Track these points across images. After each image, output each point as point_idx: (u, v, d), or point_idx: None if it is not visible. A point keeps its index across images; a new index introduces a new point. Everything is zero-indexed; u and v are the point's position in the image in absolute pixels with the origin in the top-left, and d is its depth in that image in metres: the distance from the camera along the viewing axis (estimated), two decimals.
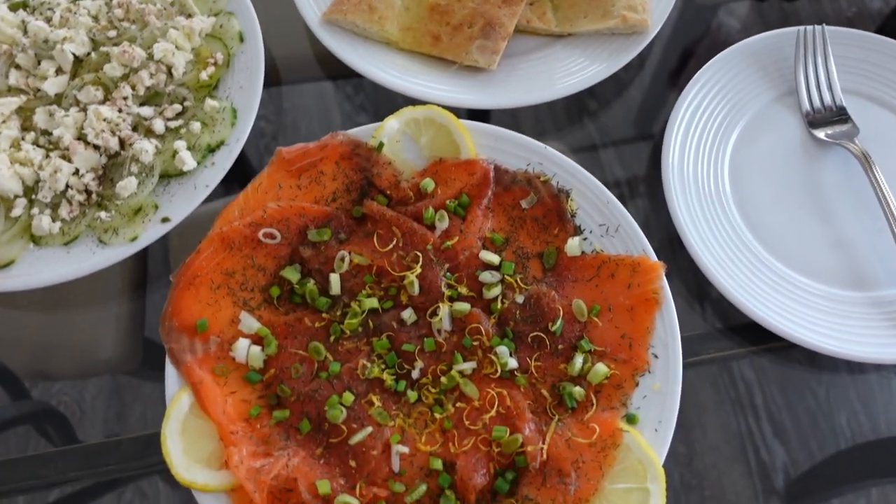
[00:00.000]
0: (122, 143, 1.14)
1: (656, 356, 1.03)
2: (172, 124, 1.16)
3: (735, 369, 1.17)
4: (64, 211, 1.11)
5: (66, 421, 1.15)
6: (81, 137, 1.13)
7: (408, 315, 1.07)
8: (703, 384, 1.16)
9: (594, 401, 1.02)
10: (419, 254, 1.09)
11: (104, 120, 1.12)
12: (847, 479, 1.11)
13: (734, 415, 1.14)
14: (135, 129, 1.16)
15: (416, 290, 1.07)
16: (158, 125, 1.15)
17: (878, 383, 1.16)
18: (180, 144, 1.13)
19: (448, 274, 1.09)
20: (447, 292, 1.08)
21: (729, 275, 1.14)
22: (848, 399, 1.15)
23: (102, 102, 1.15)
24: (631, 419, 1.00)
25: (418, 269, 1.08)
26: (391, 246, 1.09)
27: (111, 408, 1.16)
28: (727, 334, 1.18)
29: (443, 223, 1.11)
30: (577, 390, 1.02)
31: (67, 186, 1.12)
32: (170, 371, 1.02)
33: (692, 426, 1.13)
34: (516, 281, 1.09)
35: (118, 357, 1.18)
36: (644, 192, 1.29)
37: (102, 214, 1.11)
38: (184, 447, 0.96)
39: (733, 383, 1.16)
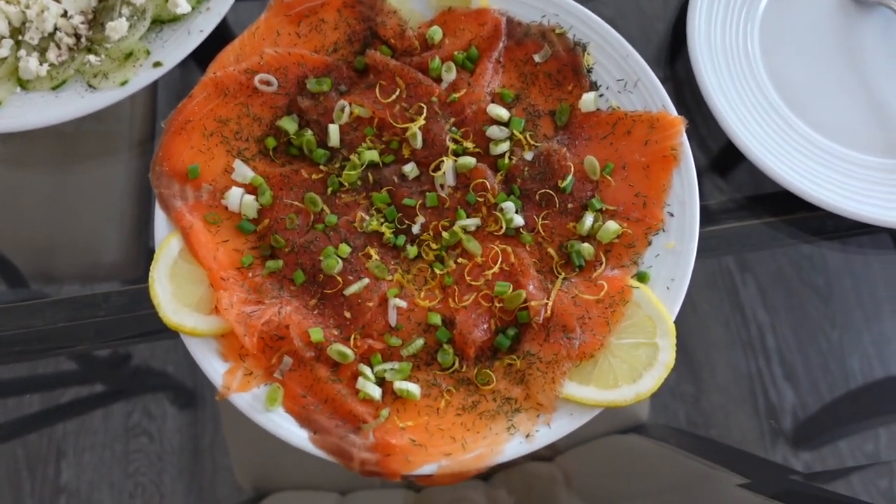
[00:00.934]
0: None
1: (672, 214, 0.97)
2: None
3: (748, 310, 1.10)
4: (52, 54, 1.05)
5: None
6: None
7: (409, 169, 1.01)
8: (714, 324, 1.10)
9: (603, 259, 0.97)
10: (423, 106, 1.02)
11: None
12: (856, 421, 1.07)
13: (744, 356, 1.09)
14: None
15: (419, 143, 1.01)
16: None
17: (892, 328, 1.09)
18: None
19: (454, 129, 1.03)
20: (452, 146, 1.02)
21: (755, 138, 1.07)
22: (861, 343, 1.09)
23: None
24: (642, 277, 0.95)
25: (422, 122, 1.01)
26: (394, 97, 1.02)
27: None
28: (747, 204, 1.11)
29: (450, 75, 1.04)
30: (586, 247, 0.96)
31: (56, 28, 1.06)
32: (159, 216, 0.97)
33: (700, 366, 1.08)
34: (525, 138, 1.02)
35: (122, 262, 1.16)
36: (667, 52, 1.20)
37: (92, 58, 1.05)
38: (172, 291, 0.93)
39: (745, 324, 1.10)
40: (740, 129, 1.07)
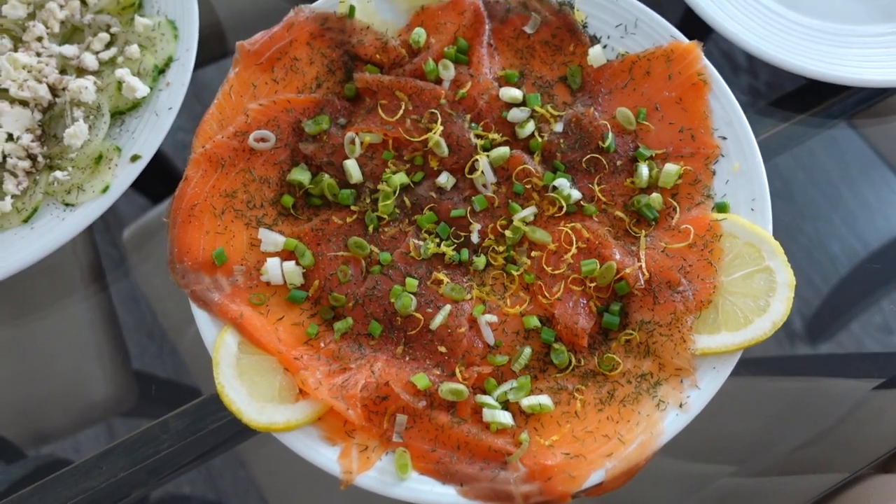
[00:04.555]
0: (53, 90, 0.96)
1: (724, 137, 0.93)
2: (105, 55, 0.98)
3: None
4: (10, 184, 0.92)
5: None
6: (3, 96, 0.94)
7: (445, 180, 0.94)
8: None
9: (675, 204, 0.92)
10: (435, 112, 0.95)
11: (23, 68, 0.93)
12: (858, 300, 1.08)
13: None
14: (63, 72, 0.97)
15: (444, 150, 0.94)
16: (89, 60, 0.97)
17: (855, 204, 1.11)
18: (123, 72, 0.95)
19: (473, 124, 0.96)
20: (479, 143, 0.95)
21: (759, 37, 1.06)
22: (834, 227, 1.10)
23: (14, 50, 0.96)
24: (722, 207, 0.90)
25: (439, 128, 0.94)
26: (400, 113, 0.95)
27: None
28: (781, 104, 1.10)
29: (449, 72, 0.97)
30: (655, 197, 0.91)
31: (4, 156, 0.93)
32: (200, 316, 0.86)
33: None
34: (547, 110, 0.97)
35: (113, 397, 1.05)
36: None
37: (59, 175, 0.92)
38: (248, 390, 0.81)
39: None
40: (745, 34, 1.06)
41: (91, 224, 0.91)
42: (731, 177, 0.92)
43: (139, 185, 1.06)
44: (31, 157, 0.94)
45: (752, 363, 1.05)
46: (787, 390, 1.07)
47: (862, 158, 1.14)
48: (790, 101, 1.14)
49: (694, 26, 1.09)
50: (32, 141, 0.94)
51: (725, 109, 0.94)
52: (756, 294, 0.83)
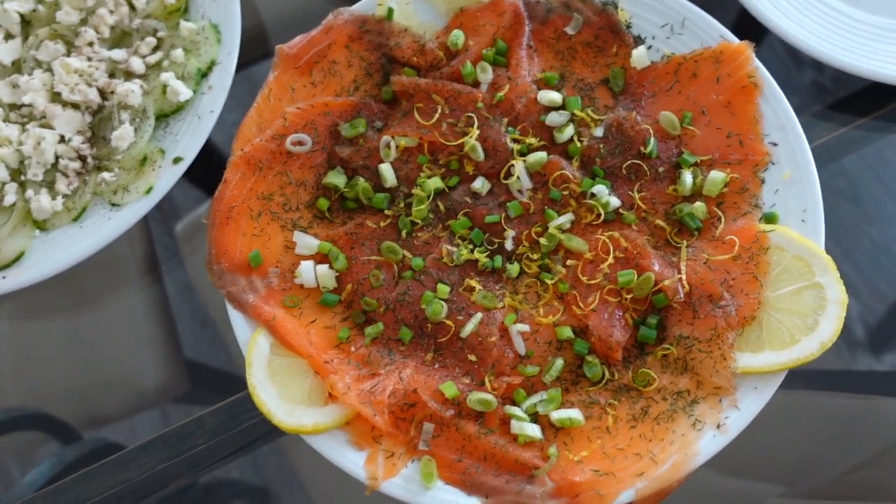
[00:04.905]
0: (102, 93, 0.99)
1: (775, 144, 0.89)
2: (151, 59, 1.00)
3: None
4: (62, 185, 0.96)
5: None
6: (56, 99, 0.98)
7: (480, 185, 0.92)
8: None
9: (720, 214, 0.88)
10: (471, 115, 0.93)
11: (75, 72, 0.97)
12: None
13: None
14: (112, 76, 1.00)
15: (480, 155, 0.92)
16: (136, 64, 0.99)
17: None
18: (168, 76, 0.97)
19: (510, 129, 0.94)
20: (515, 147, 0.93)
21: (817, 35, 1.00)
22: None
23: (67, 55, 0.99)
24: (770, 218, 0.86)
25: (476, 132, 0.92)
26: (437, 116, 0.94)
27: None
28: (840, 108, 1.04)
29: (486, 75, 0.95)
30: (698, 206, 0.87)
31: (57, 157, 0.97)
32: (235, 317, 0.87)
33: None
34: (588, 114, 0.94)
35: (165, 384, 1.08)
36: None
37: (106, 175, 0.95)
38: (278, 392, 0.82)
39: None
40: (803, 34, 1.00)
41: (146, 217, 0.95)
42: (781, 186, 0.87)
43: (194, 177, 1.10)
44: (82, 159, 0.97)
45: (807, 376, 1.00)
46: (842, 407, 1.01)
47: None
48: (853, 104, 1.07)
49: (749, 27, 1.04)
50: (83, 143, 0.97)
51: (777, 114, 0.89)
52: (804, 312, 0.79)
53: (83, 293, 1.12)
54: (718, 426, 0.78)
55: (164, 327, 1.11)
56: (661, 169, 0.91)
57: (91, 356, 1.11)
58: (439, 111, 0.94)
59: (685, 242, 0.87)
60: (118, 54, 1.01)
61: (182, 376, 1.10)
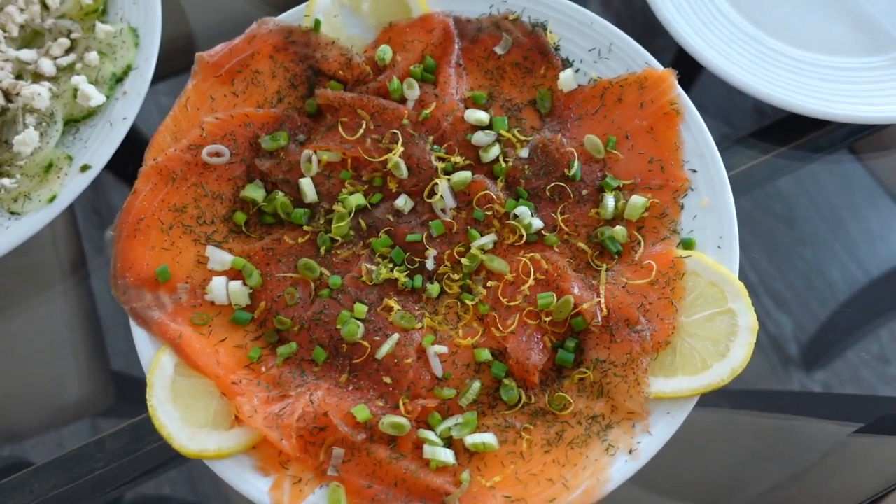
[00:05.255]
0: (6, 95, 0.94)
1: (694, 170, 0.90)
2: (64, 61, 0.96)
3: None
4: None
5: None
6: None
7: (402, 203, 0.91)
8: None
9: (640, 238, 0.88)
10: (396, 132, 0.92)
11: None
12: (854, 328, 1.04)
13: None
14: (18, 77, 0.95)
15: (403, 172, 0.91)
16: (46, 66, 0.95)
17: (857, 231, 1.08)
18: (79, 80, 0.93)
19: (436, 147, 0.93)
20: (440, 166, 0.92)
21: (744, 69, 1.03)
22: (834, 253, 1.07)
23: None
24: (687, 244, 0.86)
25: (400, 149, 0.91)
26: (361, 132, 0.92)
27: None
28: (764, 136, 1.07)
29: (413, 91, 0.94)
30: (619, 230, 0.88)
31: None
32: (139, 334, 0.83)
33: None
34: (514, 135, 0.93)
35: (89, 396, 1.01)
36: (625, 7, 1.15)
37: (6, 182, 0.90)
38: (180, 415, 0.78)
39: None
40: (725, 64, 1.03)
41: (76, 221, 0.89)
42: (699, 212, 0.88)
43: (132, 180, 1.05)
44: None
45: (734, 394, 1.02)
46: (766, 427, 1.03)
47: (863, 185, 1.11)
48: (780, 132, 1.10)
49: (686, 59, 1.06)
50: None
51: (697, 141, 0.90)
52: (716, 337, 0.79)
53: (2, 300, 1.06)
54: (630, 451, 0.77)
55: (89, 337, 1.06)
56: (584, 192, 0.91)
57: (9, 366, 1.04)
58: (364, 126, 0.92)
59: (605, 266, 0.87)
60: (27, 55, 0.96)
61: (108, 388, 1.04)
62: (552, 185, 0.91)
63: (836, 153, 1.10)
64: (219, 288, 0.85)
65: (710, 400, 0.84)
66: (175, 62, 1.04)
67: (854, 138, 1.10)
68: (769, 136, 1.11)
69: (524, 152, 0.92)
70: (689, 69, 1.00)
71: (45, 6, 0.98)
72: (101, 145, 0.92)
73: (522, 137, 0.93)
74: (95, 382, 1.03)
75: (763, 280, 1.06)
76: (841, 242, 1.07)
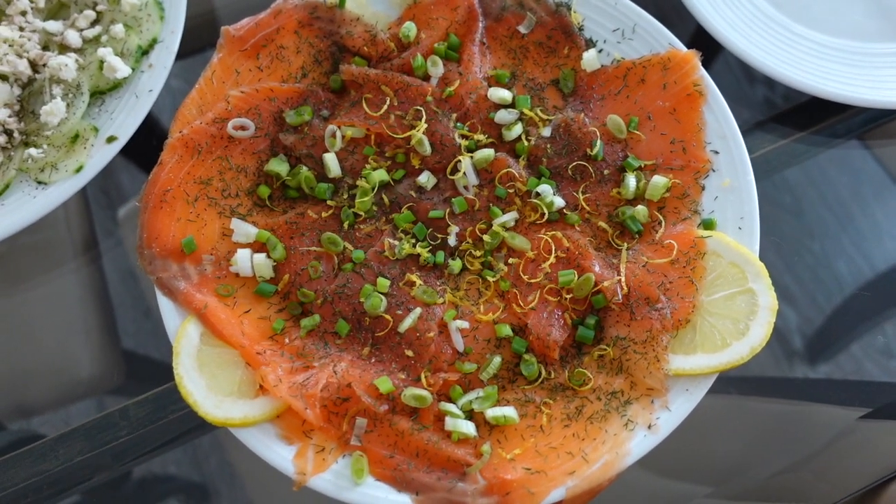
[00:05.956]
0: (33, 65, 0.94)
1: (716, 152, 0.90)
2: (89, 33, 0.96)
3: None
4: None
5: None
6: None
7: (425, 179, 0.91)
8: None
9: (661, 218, 0.89)
10: (420, 109, 0.92)
11: (4, 41, 0.92)
12: (860, 322, 1.05)
13: None
14: (45, 48, 0.96)
15: (427, 149, 0.91)
16: (73, 37, 0.95)
17: (865, 224, 1.08)
18: (105, 52, 0.93)
19: (459, 124, 0.93)
20: (463, 143, 0.92)
21: (765, 52, 1.03)
22: (841, 246, 1.07)
23: None
24: (708, 224, 0.87)
25: (423, 126, 0.91)
26: (385, 108, 0.92)
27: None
28: (781, 121, 1.07)
29: (437, 69, 0.94)
30: (640, 209, 0.88)
31: None
32: (165, 304, 0.84)
33: None
34: (536, 114, 0.94)
35: (100, 373, 1.03)
36: None
37: (33, 152, 0.91)
38: (206, 383, 0.80)
39: None
40: (750, 48, 1.03)
41: (87, 200, 0.89)
42: (720, 193, 0.89)
43: (143, 161, 1.05)
44: (7, 133, 0.92)
45: (742, 382, 1.03)
46: (774, 412, 1.04)
47: (874, 178, 1.11)
48: (797, 117, 1.10)
49: (705, 41, 1.06)
50: (10, 116, 0.92)
51: (720, 123, 0.91)
52: (736, 316, 0.80)
53: (15, 277, 1.07)
54: (650, 426, 0.79)
55: (101, 315, 1.07)
56: (606, 171, 0.92)
57: (22, 343, 1.05)
58: (388, 103, 0.93)
59: (626, 245, 0.88)
60: (53, 26, 0.96)
61: (118, 366, 1.05)
62: (574, 164, 0.91)
63: (847, 144, 1.10)
64: (243, 260, 0.86)
65: (719, 386, 0.85)
66: (200, 38, 1.04)
67: (871, 125, 1.10)
68: (787, 121, 1.11)
69: (546, 131, 0.93)
70: (705, 52, 1.00)
71: None
72: (126, 117, 0.93)
73: (545, 116, 0.94)
74: (107, 359, 1.05)
75: (769, 271, 1.06)
76: (849, 235, 1.08)
